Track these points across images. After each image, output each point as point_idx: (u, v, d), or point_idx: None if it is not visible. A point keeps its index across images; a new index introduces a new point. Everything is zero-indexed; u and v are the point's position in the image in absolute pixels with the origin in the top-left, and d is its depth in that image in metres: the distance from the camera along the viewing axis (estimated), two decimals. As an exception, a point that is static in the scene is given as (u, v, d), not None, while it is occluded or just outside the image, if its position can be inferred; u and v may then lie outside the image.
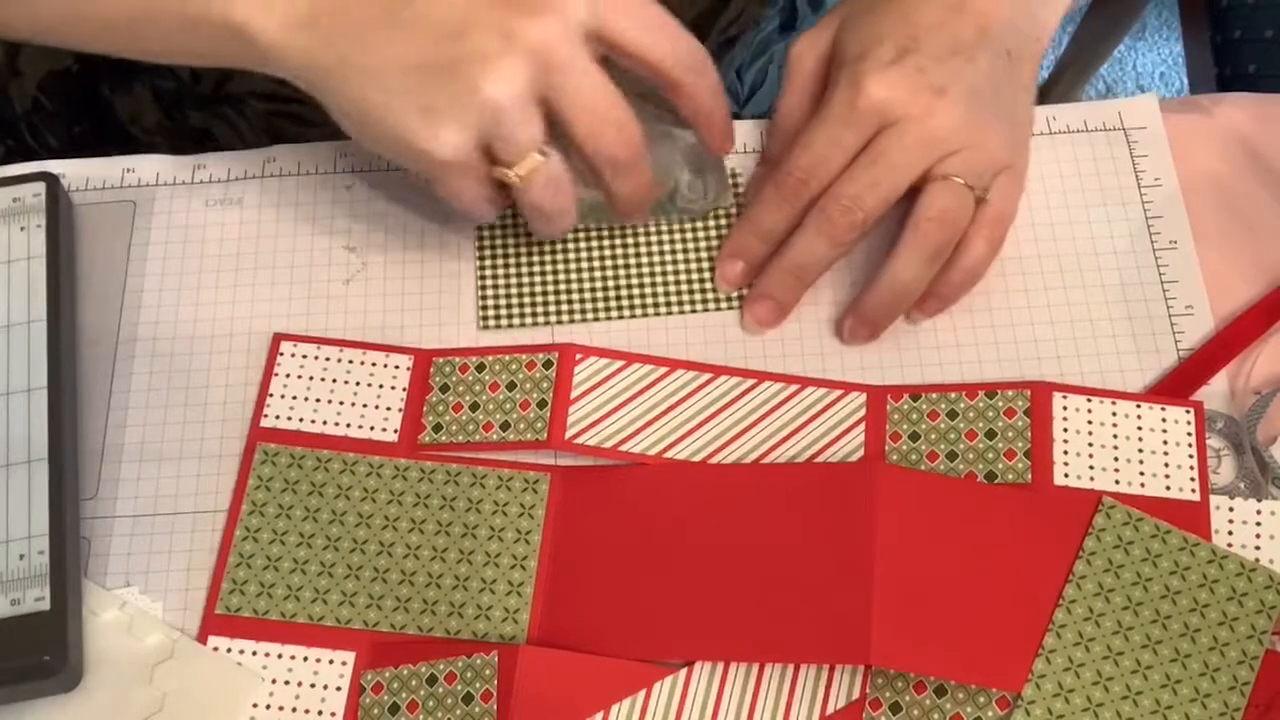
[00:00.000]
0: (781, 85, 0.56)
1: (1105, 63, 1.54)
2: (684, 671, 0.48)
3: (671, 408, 0.53)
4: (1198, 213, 0.57)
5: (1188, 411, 0.51)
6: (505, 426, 0.52)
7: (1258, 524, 0.49)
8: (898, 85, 0.51)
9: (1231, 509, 0.49)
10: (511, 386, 0.53)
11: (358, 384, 0.54)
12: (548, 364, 0.53)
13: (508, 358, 0.54)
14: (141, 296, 0.56)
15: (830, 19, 0.56)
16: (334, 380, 0.54)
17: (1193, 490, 0.50)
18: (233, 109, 0.66)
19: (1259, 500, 0.50)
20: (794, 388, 0.53)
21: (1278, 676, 0.46)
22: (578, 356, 0.53)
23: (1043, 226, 0.57)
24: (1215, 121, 0.60)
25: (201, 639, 0.49)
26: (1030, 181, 0.57)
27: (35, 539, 0.48)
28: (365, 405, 0.53)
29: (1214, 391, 0.53)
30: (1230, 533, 0.49)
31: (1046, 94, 1.55)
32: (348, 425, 0.53)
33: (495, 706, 0.47)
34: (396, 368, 0.54)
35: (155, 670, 0.48)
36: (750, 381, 0.53)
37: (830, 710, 0.47)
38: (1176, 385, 0.53)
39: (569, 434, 0.52)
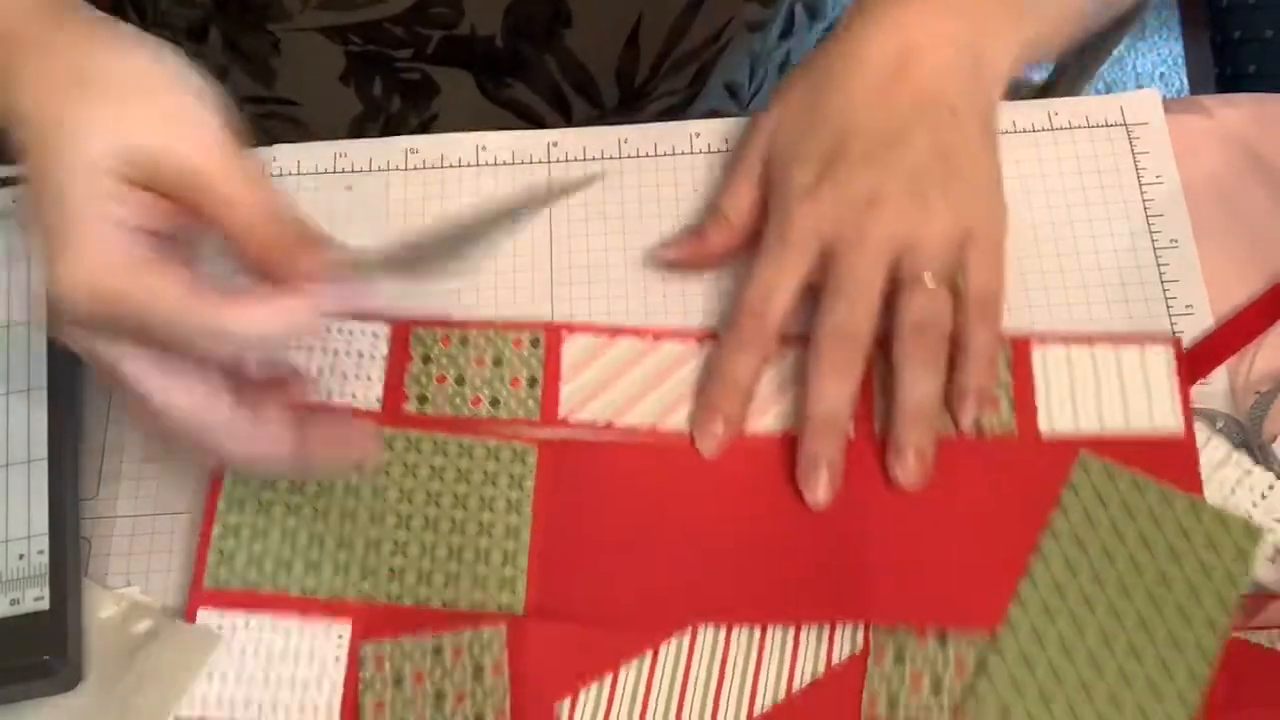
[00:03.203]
0: (723, 179, 0.55)
1: (1105, 63, 1.54)
2: (689, 635, 0.48)
3: (663, 378, 0.53)
4: (1198, 213, 0.57)
5: (1166, 348, 0.52)
6: (495, 403, 0.52)
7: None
8: (825, 205, 0.50)
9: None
10: (498, 362, 0.53)
11: (335, 352, 0.53)
12: (535, 341, 0.53)
13: (492, 332, 0.54)
14: (141, 296, 0.56)
15: (772, 111, 0.54)
16: (309, 349, 0.53)
17: (1177, 424, 0.51)
18: None
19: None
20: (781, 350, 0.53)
21: (1245, 663, 0.47)
22: (564, 334, 0.54)
23: (1043, 226, 0.57)
24: (1215, 122, 0.59)
25: (190, 614, 0.49)
26: (1031, 180, 0.57)
27: (35, 539, 0.48)
28: (345, 375, 0.53)
29: (1215, 391, 0.53)
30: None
31: (1047, 94, 1.55)
32: (329, 394, 0.52)
33: (507, 679, 0.47)
34: (375, 335, 0.54)
35: (136, 654, 0.48)
36: None
37: (835, 662, 0.48)
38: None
39: (563, 412, 0.52)
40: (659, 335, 0.54)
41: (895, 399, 0.50)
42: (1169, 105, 0.59)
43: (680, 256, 0.55)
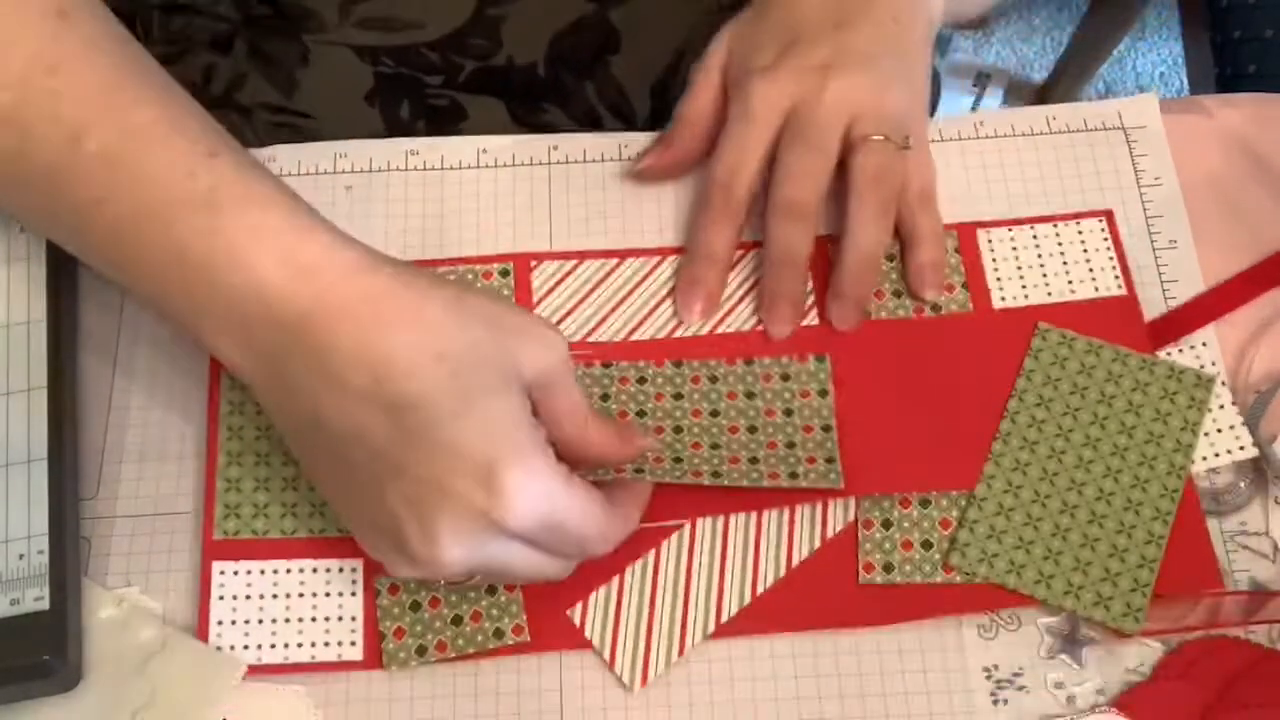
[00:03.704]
0: (685, 92, 0.57)
1: (1105, 63, 1.54)
2: (688, 529, 0.50)
3: (629, 294, 0.55)
4: (1198, 213, 0.57)
5: (1100, 221, 0.56)
6: None
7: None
8: (783, 78, 0.53)
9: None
10: None
11: None
12: (505, 272, 0.55)
13: (463, 268, 0.55)
14: (141, 296, 0.56)
15: (725, 30, 0.57)
16: None
17: (1119, 287, 0.55)
18: (240, 116, 0.66)
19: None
20: (739, 253, 0.56)
21: (1245, 663, 0.47)
22: (532, 263, 0.56)
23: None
24: (1215, 122, 0.59)
25: (205, 567, 0.50)
26: (1030, 182, 0.58)
27: (35, 539, 0.48)
28: None
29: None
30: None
31: (1047, 94, 1.55)
32: None
33: (520, 594, 0.49)
34: None
35: (148, 664, 0.48)
36: None
37: (829, 536, 0.50)
38: (1160, 330, 0.54)
39: None
40: (624, 255, 0.56)
41: (842, 249, 0.53)
42: (1169, 105, 0.59)
43: (648, 165, 0.57)
